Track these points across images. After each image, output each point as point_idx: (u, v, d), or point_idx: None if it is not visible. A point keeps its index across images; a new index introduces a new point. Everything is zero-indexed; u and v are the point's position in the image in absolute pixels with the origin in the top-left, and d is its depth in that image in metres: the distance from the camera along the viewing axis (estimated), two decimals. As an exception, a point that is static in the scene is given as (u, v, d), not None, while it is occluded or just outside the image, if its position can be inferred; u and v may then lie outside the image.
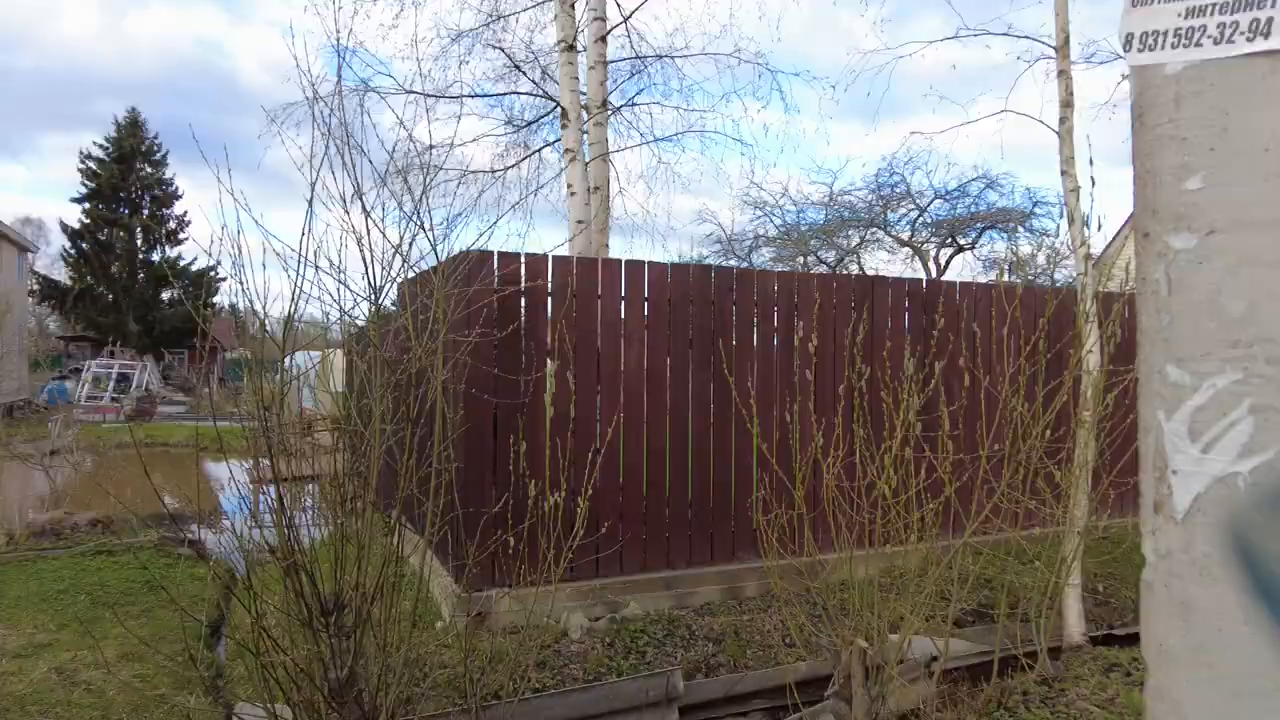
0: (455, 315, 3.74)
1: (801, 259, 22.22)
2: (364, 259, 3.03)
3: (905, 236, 21.59)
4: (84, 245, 36.08)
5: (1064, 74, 4.42)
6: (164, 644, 4.97)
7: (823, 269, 22.06)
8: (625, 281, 5.33)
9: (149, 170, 37.22)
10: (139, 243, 36.95)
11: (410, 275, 3.55)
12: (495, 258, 4.85)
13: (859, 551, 3.47)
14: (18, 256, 28.64)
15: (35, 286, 34.26)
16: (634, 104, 8.51)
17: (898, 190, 20.22)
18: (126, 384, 25.21)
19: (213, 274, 37.32)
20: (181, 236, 37.87)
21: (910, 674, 3.69)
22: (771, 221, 21.79)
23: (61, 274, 37.74)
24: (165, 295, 37.40)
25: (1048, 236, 19.62)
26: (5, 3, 72.17)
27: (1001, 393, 3.30)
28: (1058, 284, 16.61)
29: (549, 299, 5.09)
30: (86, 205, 36.22)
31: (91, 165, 36.19)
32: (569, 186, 7.06)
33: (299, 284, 2.97)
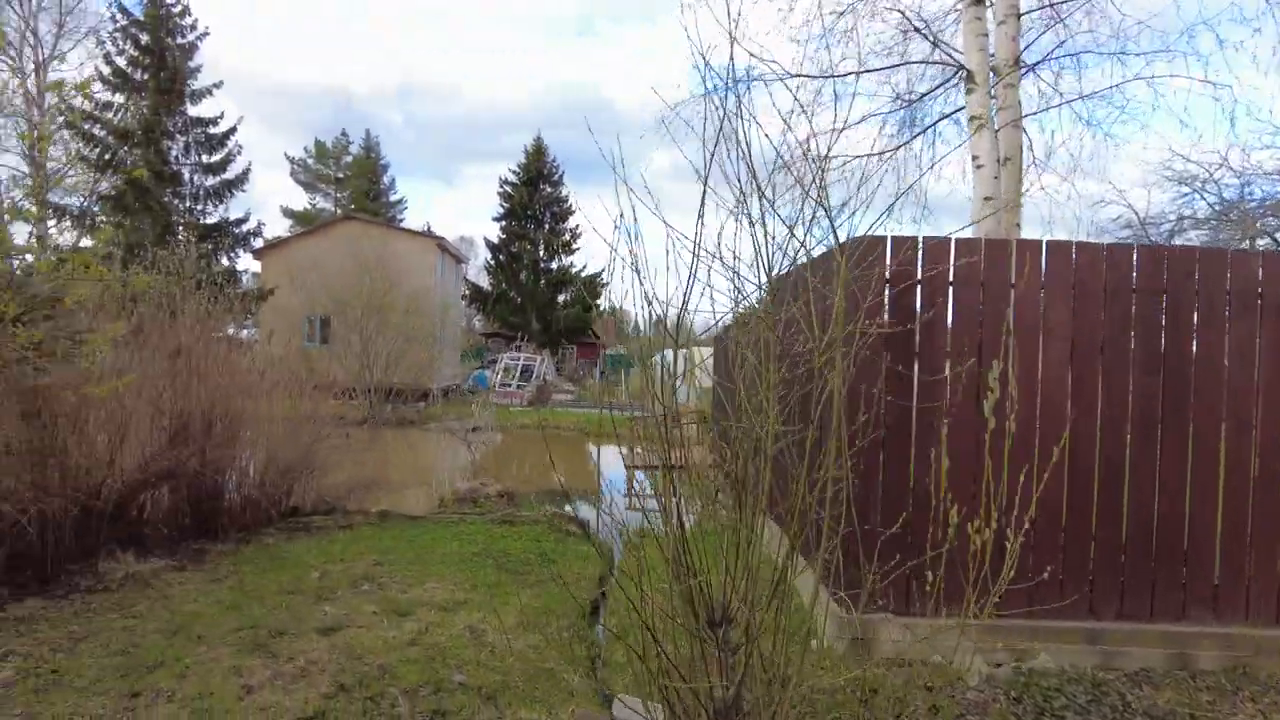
0: (837, 309, 3.29)
1: (1245, 244, 17.80)
2: (741, 255, 2.73)
3: None
4: (500, 257, 42.61)
5: None
6: (553, 618, 5.29)
7: (1278, 256, 17.28)
8: (1046, 266, 4.44)
9: (549, 190, 42.68)
10: (541, 253, 42.55)
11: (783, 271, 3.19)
12: (888, 243, 4.32)
13: None
14: (456, 267, 34.79)
15: (466, 292, 41.30)
16: (1053, 58, 7.16)
17: None
18: (529, 374, 29.01)
19: (598, 279, 41.54)
20: (574, 247, 42.88)
21: None
22: (1203, 199, 17.68)
23: (484, 281, 44.99)
24: (560, 298, 42.64)
25: None
26: (439, 66, 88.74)
27: None
28: None
29: (949, 288, 4.41)
30: (503, 223, 42.72)
31: (507, 189, 42.59)
32: (974, 159, 6.16)
33: (637, 291, 2.76)
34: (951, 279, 4.36)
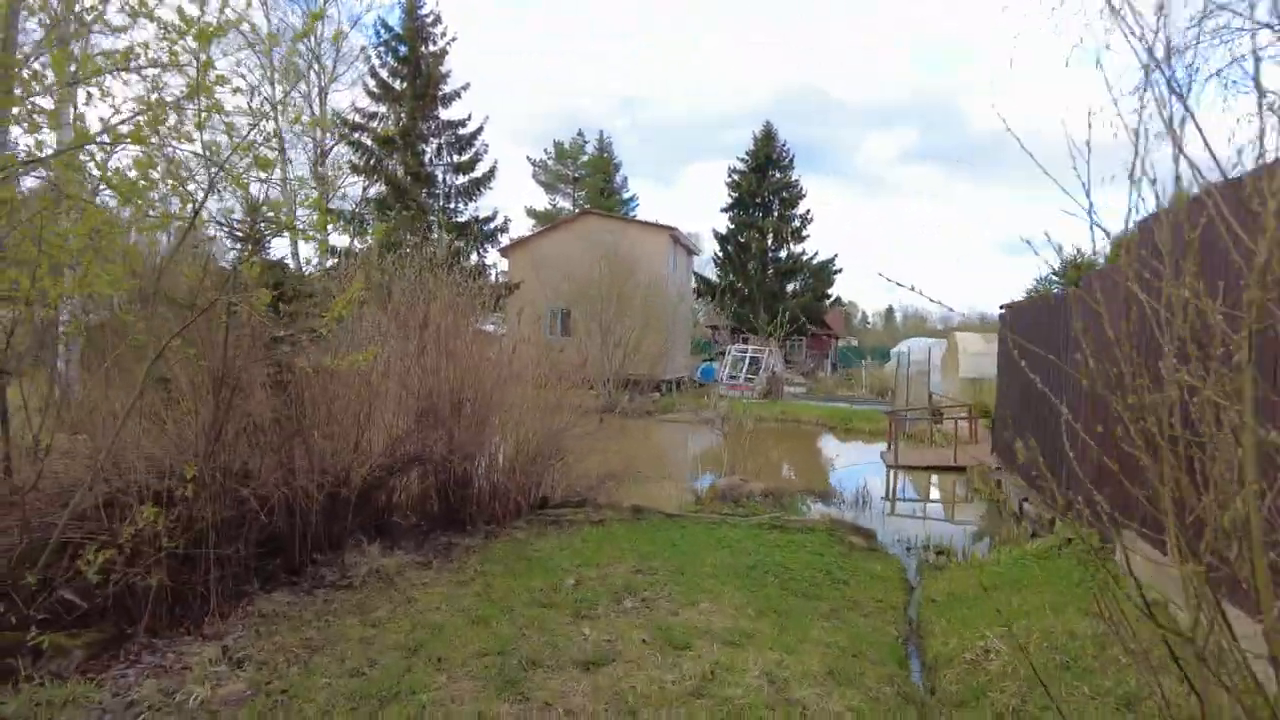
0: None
1: None
2: None
3: None
4: (728, 247, 41.63)
5: None
6: (864, 663, 3.99)
7: None
8: None
9: (778, 175, 41.02)
10: (769, 241, 41.03)
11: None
12: None
13: None
14: (687, 259, 34.38)
15: (695, 285, 40.80)
16: None
17: None
18: (756, 366, 27.68)
19: (830, 266, 39.29)
20: (804, 234, 40.90)
21: None
22: None
23: (711, 273, 44.27)
24: (790, 287, 40.91)
25: None
26: (657, 71, 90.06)
27: None
28: None
29: None
30: (731, 213, 41.69)
31: (735, 178, 41.50)
32: None
33: None
34: None
